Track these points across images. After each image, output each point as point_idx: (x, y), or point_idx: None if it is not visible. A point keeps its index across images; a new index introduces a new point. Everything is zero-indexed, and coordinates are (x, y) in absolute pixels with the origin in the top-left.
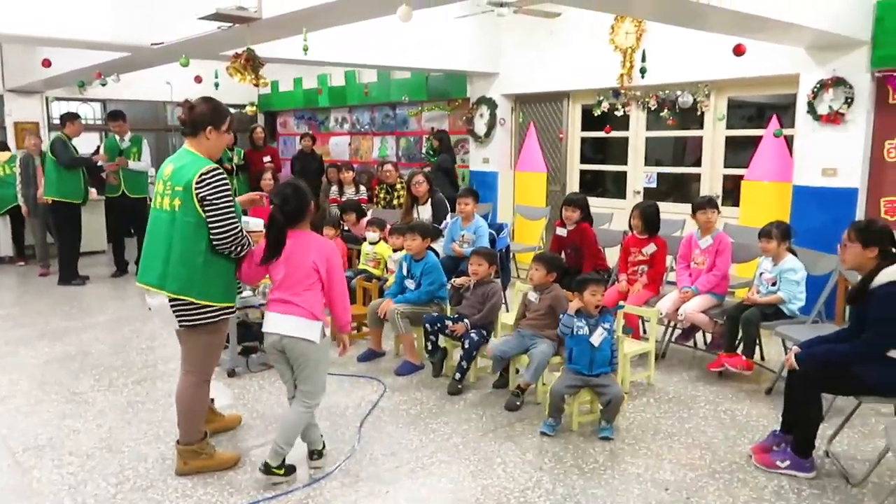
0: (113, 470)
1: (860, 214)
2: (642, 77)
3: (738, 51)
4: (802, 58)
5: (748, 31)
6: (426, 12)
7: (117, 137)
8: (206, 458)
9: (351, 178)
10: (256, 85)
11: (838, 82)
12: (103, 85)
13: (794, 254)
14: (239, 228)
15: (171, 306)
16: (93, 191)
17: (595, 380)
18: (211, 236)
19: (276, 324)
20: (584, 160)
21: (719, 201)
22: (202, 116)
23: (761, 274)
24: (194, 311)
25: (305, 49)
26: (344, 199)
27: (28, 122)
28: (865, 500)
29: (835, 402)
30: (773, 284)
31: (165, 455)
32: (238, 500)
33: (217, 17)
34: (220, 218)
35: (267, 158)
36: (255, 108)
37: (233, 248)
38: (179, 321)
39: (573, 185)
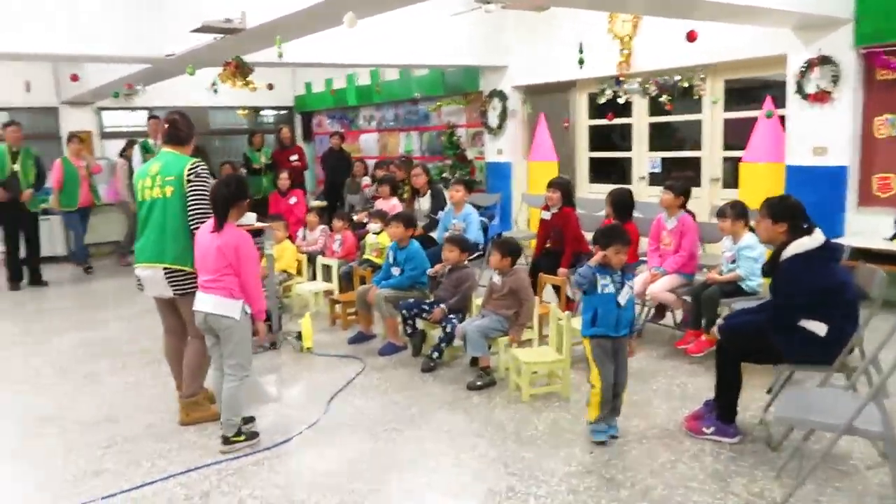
0: (106, 435)
1: (852, 192)
2: (580, 68)
3: (691, 37)
4: (789, 38)
5: (735, 17)
6: (433, 11)
7: (151, 140)
8: (203, 410)
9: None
10: (253, 89)
11: (824, 61)
12: (129, 95)
13: (754, 232)
14: (206, 210)
15: (167, 277)
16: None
17: (619, 343)
18: (187, 208)
19: (202, 302)
20: (594, 147)
21: (719, 184)
22: (191, 129)
23: (724, 253)
24: (188, 280)
25: (280, 55)
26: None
27: (82, 131)
28: (779, 462)
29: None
30: (733, 262)
31: (153, 423)
32: (206, 460)
33: (205, 29)
34: (196, 195)
35: (293, 157)
36: (246, 111)
37: (194, 221)
38: (174, 289)
39: (583, 173)
